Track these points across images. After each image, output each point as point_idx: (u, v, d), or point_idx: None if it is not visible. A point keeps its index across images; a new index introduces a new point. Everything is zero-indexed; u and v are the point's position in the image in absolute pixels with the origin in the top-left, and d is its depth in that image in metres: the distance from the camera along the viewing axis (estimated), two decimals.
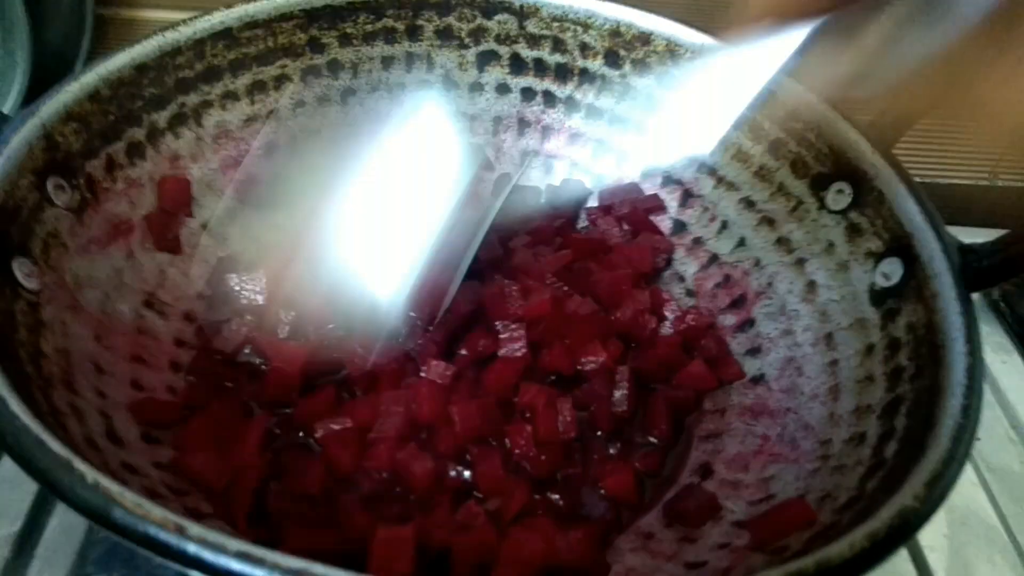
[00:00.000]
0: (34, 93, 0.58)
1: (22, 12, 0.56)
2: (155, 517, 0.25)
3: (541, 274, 0.46)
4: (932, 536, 0.46)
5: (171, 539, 0.24)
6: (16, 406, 0.27)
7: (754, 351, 0.46)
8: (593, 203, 0.53)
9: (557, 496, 0.39)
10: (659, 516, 0.40)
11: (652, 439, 0.43)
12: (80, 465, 0.26)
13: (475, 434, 0.40)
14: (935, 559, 0.46)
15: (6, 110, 0.58)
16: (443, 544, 0.35)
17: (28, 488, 0.42)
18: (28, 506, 0.41)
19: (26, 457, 0.26)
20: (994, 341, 0.58)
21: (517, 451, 0.40)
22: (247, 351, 0.43)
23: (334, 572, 0.24)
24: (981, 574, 0.45)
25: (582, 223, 0.53)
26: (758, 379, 0.45)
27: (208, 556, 0.24)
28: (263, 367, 0.42)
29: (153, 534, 0.24)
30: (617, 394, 0.43)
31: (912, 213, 0.40)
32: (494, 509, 0.37)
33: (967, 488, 0.49)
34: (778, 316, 0.45)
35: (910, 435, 0.34)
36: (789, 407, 0.42)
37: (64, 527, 0.41)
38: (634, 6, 0.50)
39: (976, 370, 0.33)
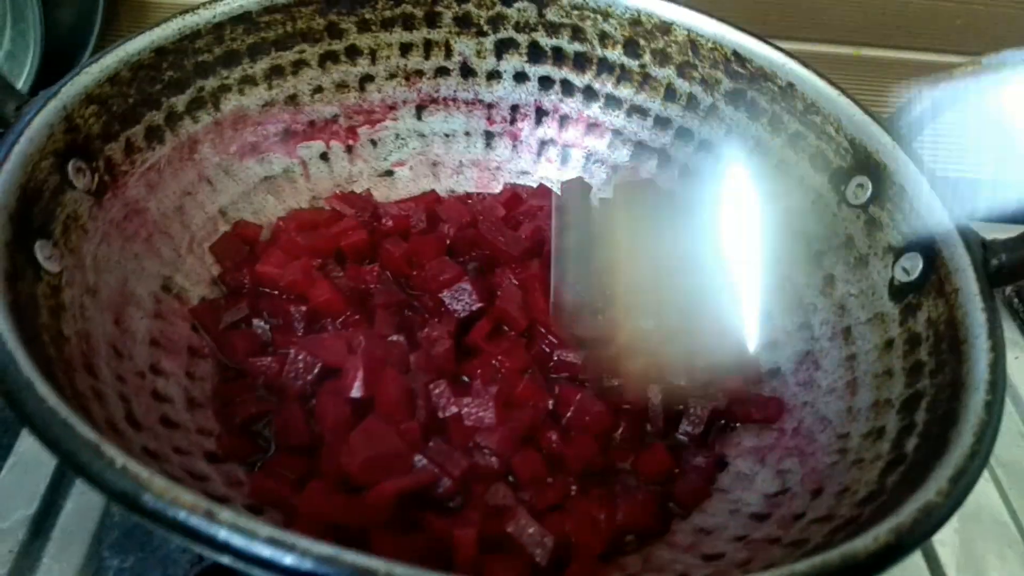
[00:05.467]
0: (46, 74, 0.58)
1: None
2: (185, 501, 0.24)
3: None
4: (943, 531, 0.46)
5: (201, 524, 0.24)
6: (43, 388, 0.27)
7: (770, 344, 0.46)
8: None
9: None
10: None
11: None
12: (108, 448, 0.26)
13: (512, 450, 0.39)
14: (945, 553, 0.46)
15: None
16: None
17: (44, 471, 0.42)
18: (44, 489, 0.41)
19: (54, 440, 0.26)
20: (1006, 338, 0.58)
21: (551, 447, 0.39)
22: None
23: (365, 559, 0.24)
24: (991, 568, 0.45)
25: None
26: (775, 372, 0.45)
27: (238, 541, 0.24)
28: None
29: (183, 519, 0.24)
30: (652, 403, 0.42)
31: (933, 208, 0.39)
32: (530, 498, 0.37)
33: (978, 483, 0.49)
34: (795, 309, 0.45)
35: (931, 430, 0.34)
36: (806, 401, 0.42)
37: (80, 510, 0.41)
38: None
39: (999, 366, 0.33)
